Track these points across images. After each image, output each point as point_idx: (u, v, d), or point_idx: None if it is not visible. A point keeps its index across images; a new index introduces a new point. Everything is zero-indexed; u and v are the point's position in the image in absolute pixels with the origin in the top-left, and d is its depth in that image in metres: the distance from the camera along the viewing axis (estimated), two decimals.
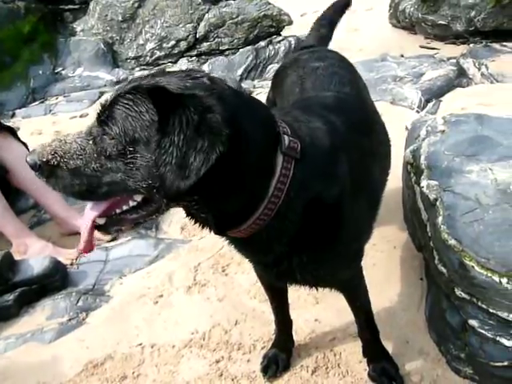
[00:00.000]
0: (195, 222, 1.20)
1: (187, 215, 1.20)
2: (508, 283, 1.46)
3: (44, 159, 1.10)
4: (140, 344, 1.97)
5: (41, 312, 2.16)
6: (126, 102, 1.06)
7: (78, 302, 2.19)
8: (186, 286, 2.22)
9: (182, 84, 1.06)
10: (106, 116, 1.08)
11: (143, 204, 1.12)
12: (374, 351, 1.74)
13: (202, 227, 1.20)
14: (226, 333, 1.96)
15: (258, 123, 1.13)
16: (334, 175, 1.25)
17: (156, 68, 5.08)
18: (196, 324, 2.02)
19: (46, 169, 1.10)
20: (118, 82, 4.80)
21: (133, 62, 5.12)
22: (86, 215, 1.16)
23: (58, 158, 1.10)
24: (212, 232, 1.21)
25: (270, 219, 1.15)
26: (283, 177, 1.13)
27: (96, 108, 1.13)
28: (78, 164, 1.09)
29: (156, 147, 1.01)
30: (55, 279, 2.25)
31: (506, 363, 1.55)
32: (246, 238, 1.21)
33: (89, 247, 1.18)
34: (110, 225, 1.16)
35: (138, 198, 1.12)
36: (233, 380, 1.77)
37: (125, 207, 1.14)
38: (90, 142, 1.10)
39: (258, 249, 1.27)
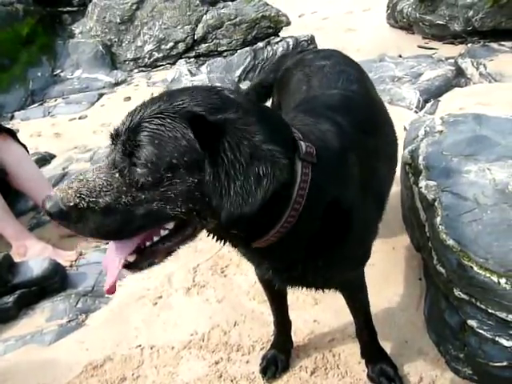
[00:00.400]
0: (219, 239, 1.16)
1: (212, 233, 1.15)
2: (506, 283, 1.46)
3: (71, 203, 0.98)
4: (139, 345, 1.97)
5: (40, 314, 2.16)
6: (154, 127, 0.99)
7: (77, 303, 2.19)
8: (185, 288, 2.22)
9: (211, 103, 1.02)
10: (132, 145, 1.00)
11: (176, 230, 1.07)
12: (371, 352, 1.74)
13: (224, 243, 1.17)
14: (225, 334, 1.96)
15: (279, 132, 1.11)
16: (347, 177, 1.26)
17: (154, 69, 5.09)
18: (195, 325, 2.02)
19: (75, 214, 0.99)
20: (116, 84, 4.81)
21: (131, 63, 5.13)
22: (114, 253, 1.06)
23: (86, 199, 0.99)
24: (236, 247, 1.21)
25: (291, 226, 1.14)
26: (303, 183, 1.11)
27: (114, 135, 1.05)
28: (107, 201, 0.99)
29: (210, 178, 0.97)
30: (54, 281, 2.25)
31: (505, 363, 1.55)
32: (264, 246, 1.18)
33: (114, 288, 1.07)
34: (142, 260, 1.08)
35: (170, 225, 1.06)
36: (232, 381, 1.77)
37: (156, 238, 1.07)
38: (117, 175, 1.01)
39: (275, 255, 1.24)
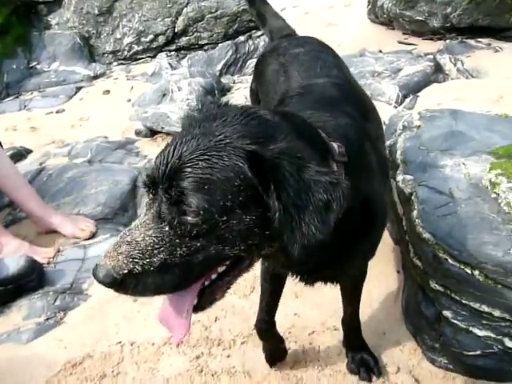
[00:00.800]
0: (269, 259, 1.16)
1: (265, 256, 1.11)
2: (480, 275, 1.50)
3: (124, 271, 0.92)
4: (119, 342, 1.96)
5: (17, 312, 2.12)
6: (199, 172, 0.92)
7: (55, 301, 2.15)
8: None
9: (255, 133, 0.96)
10: (177, 192, 0.92)
11: (233, 265, 1.04)
12: (355, 341, 1.77)
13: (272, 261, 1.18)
14: (206, 329, 1.96)
15: (318, 144, 1.09)
16: (370, 168, 1.27)
17: (134, 62, 5.01)
18: None
19: (130, 280, 0.93)
20: (94, 77, 4.72)
21: (110, 56, 5.03)
22: (176, 305, 1.02)
23: (140, 262, 0.93)
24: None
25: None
26: None
27: (150, 183, 0.97)
28: (162, 258, 0.93)
29: (280, 213, 0.92)
30: (31, 279, 2.20)
31: (478, 352, 1.60)
32: None
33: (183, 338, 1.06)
34: (204, 300, 1.05)
35: (227, 261, 1.02)
36: (213, 375, 1.78)
37: (214, 276, 1.04)
38: (166, 229, 0.94)
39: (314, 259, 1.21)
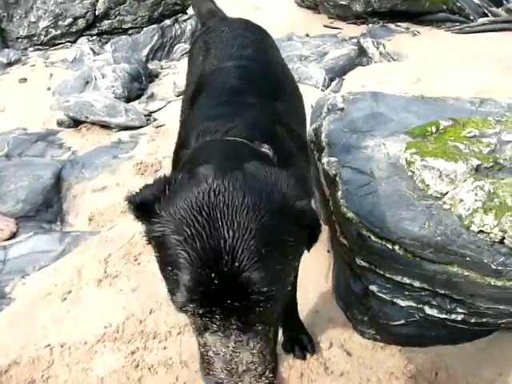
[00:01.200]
0: None
1: None
2: (400, 249, 1.59)
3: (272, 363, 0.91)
4: (48, 345, 1.86)
5: None
6: (264, 262, 0.83)
7: None
8: (96, 280, 2.12)
9: (271, 191, 0.93)
10: (256, 297, 0.83)
11: None
12: (292, 322, 1.81)
13: None
14: (141, 323, 1.92)
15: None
16: (291, 152, 1.29)
17: (53, 48, 4.69)
18: (109, 317, 1.95)
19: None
20: (9, 64, 4.37)
21: (25, 41, 4.68)
22: None
23: (271, 367, 0.91)
24: None
25: None
26: None
27: (209, 299, 0.84)
28: (270, 347, 0.91)
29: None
30: None
31: (402, 321, 1.70)
32: None
33: None
34: None
35: None
36: (149, 369, 1.75)
37: None
38: (259, 328, 0.89)
39: None
